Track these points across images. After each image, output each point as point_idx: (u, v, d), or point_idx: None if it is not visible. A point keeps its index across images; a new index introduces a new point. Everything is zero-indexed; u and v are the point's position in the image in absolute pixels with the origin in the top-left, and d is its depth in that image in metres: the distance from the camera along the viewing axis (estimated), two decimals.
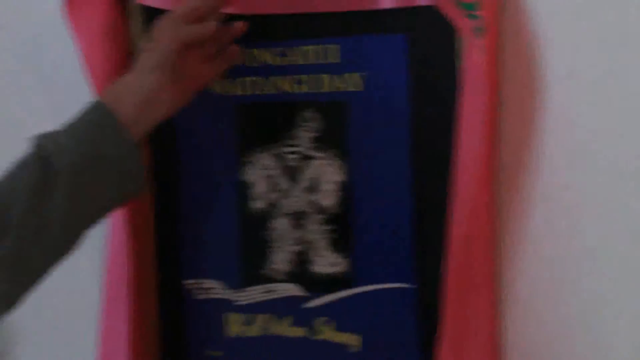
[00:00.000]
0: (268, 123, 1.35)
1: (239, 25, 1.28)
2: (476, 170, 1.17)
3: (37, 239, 1.11)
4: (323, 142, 1.31)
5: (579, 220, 1.19)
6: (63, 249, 1.15)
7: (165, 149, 1.41)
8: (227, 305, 1.40)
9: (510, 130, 1.21)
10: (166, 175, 1.42)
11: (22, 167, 1.13)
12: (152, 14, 1.35)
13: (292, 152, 1.33)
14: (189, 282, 1.43)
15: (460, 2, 1.15)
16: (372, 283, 1.31)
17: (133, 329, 1.41)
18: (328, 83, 1.30)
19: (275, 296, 1.36)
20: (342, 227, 1.31)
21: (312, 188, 1.32)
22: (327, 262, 1.32)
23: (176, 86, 1.20)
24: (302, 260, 1.34)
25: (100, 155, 1.13)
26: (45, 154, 1.10)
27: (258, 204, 1.35)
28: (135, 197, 1.24)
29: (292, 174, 1.33)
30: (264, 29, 1.31)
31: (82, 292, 1.54)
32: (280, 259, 1.35)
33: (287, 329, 1.37)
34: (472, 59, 1.15)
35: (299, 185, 1.33)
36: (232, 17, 1.30)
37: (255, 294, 1.38)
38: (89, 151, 1.11)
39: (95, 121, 1.15)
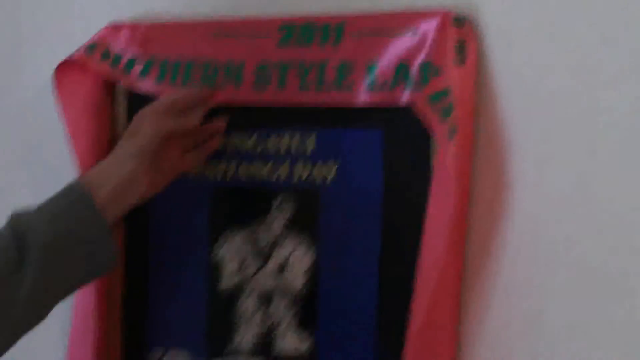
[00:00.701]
0: (242, 206, 1.34)
1: (221, 123, 1.29)
2: (440, 265, 1.16)
3: (4, 312, 1.08)
4: (294, 226, 1.29)
5: (538, 315, 1.18)
6: (29, 323, 1.13)
7: (137, 223, 1.41)
8: None
9: (477, 228, 1.19)
10: (137, 248, 1.43)
11: None
12: (136, 99, 1.38)
13: (263, 234, 1.32)
14: (154, 353, 1.41)
15: (434, 105, 1.14)
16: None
17: None
18: (302, 171, 1.29)
19: None
20: (308, 308, 1.29)
21: (281, 269, 1.30)
22: (291, 342, 1.30)
23: (154, 174, 1.20)
24: (267, 338, 1.32)
25: (73, 236, 1.12)
26: (19, 231, 1.09)
27: (227, 283, 1.34)
28: (103, 276, 1.23)
29: (262, 255, 1.32)
30: (243, 117, 1.31)
31: (47, 354, 1.50)
32: (246, 337, 1.32)
33: None
34: (444, 159, 1.14)
35: (269, 267, 1.31)
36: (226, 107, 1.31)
37: None
38: (62, 231, 1.11)
39: (71, 202, 1.14)
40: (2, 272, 1.05)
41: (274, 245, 1.30)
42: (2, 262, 1.06)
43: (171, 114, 1.21)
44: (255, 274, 1.31)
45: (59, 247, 1.10)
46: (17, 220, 1.08)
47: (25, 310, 1.09)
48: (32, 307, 1.09)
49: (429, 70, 1.16)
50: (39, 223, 1.09)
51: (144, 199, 1.21)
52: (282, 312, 1.29)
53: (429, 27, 1.17)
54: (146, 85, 1.33)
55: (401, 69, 1.18)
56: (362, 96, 1.20)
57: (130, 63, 1.35)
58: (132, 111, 1.37)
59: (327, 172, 1.26)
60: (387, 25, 1.21)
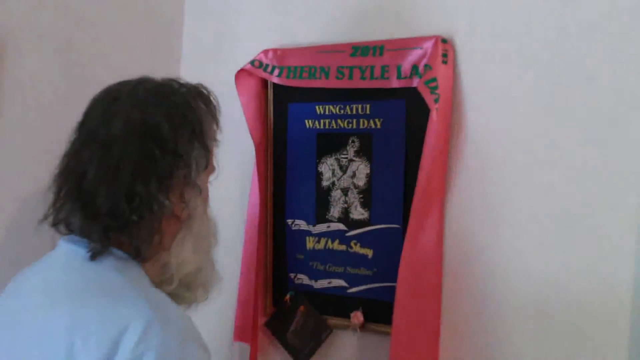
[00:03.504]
0: (333, 142, 1.50)
1: None
2: (431, 164, 1.32)
3: None
4: (360, 153, 1.45)
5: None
6: None
7: (280, 154, 1.58)
8: (307, 233, 1.54)
9: (455, 152, 1.36)
10: (280, 167, 1.58)
11: None
12: (277, 88, 1.54)
13: (343, 158, 1.47)
14: (290, 220, 1.58)
15: (428, 84, 1.30)
16: (380, 223, 1.43)
17: (258, 246, 1.57)
18: (364, 123, 1.44)
19: (331, 229, 1.50)
20: (367, 196, 1.45)
21: (353, 176, 1.46)
22: (358, 213, 1.46)
23: None
24: (345, 212, 1.48)
25: None
26: None
27: (325, 183, 1.50)
28: None
29: (343, 168, 1.47)
30: (333, 95, 1.47)
31: (231, 232, 1.62)
32: (335, 211, 1.50)
33: (337, 246, 1.49)
34: (432, 116, 1.30)
35: (346, 174, 1.47)
36: (318, 89, 1.45)
37: (321, 227, 1.52)
38: None
39: None
40: None
41: (349, 163, 1.46)
42: None
43: None
44: (339, 178, 1.47)
45: None
46: None
47: None
48: None
49: (426, 68, 1.30)
50: None
51: None
52: (353, 198, 1.46)
53: (429, 45, 1.31)
54: (281, 80, 1.51)
55: (414, 68, 1.33)
56: (394, 83, 1.36)
57: (273, 69, 1.52)
58: (276, 95, 1.56)
59: (377, 123, 1.43)
60: (407, 45, 1.35)
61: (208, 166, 1.01)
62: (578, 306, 1.24)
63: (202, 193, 1.01)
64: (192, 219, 0.99)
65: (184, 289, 1.02)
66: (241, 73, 1.54)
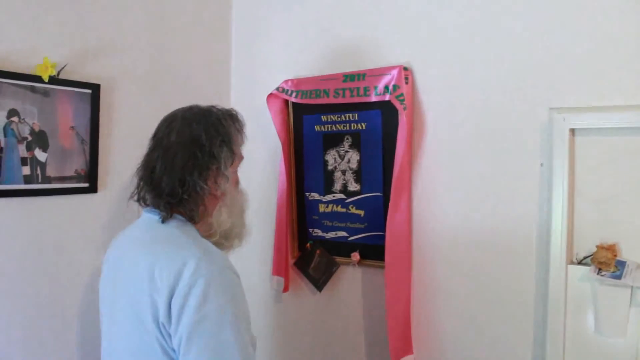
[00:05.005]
0: (334, 140, 1.71)
1: None
2: (404, 152, 1.50)
3: None
4: (352, 146, 1.67)
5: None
6: None
7: (298, 149, 1.77)
8: (319, 201, 1.76)
9: (416, 143, 1.56)
10: (299, 158, 1.78)
11: None
12: (295, 105, 1.73)
13: (342, 150, 1.69)
14: (308, 193, 1.78)
15: (398, 99, 1.51)
16: (368, 193, 1.65)
17: (287, 211, 1.77)
18: (354, 126, 1.65)
19: (336, 198, 1.72)
20: (358, 175, 1.67)
21: (348, 162, 1.68)
22: (353, 186, 1.68)
23: None
24: (345, 186, 1.70)
25: None
26: None
27: (330, 167, 1.73)
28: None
29: (342, 157, 1.70)
30: (335, 107, 1.68)
31: (269, 202, 1.86)
32: (337, 186, 1.72)
33: (340, 209, 1.71)
34: (402, 118, 1.53)
35: (344, 161, 1.69)
36: (322, 104, 1.64)
37: (329, 197, 1.73)
38: None
39: None
40: None
41: (345, 153, 1.68)
42: None
43: None
44: (340, 164, 1.69)
45: None
46: None
47: None
48: None
49: (395, 87, 1.52)
50: None
51: None
52: (350, 176, 1.68)
53: (395, 71, 1.53)
54: (297, 100, 1.71)
55: (386, 87, 1.54)
56: (373, 98, 1.57)
57: (291, 92, 1.73)
58: (294, 110, 1.74)
59: (363, 125, 1.64)
60: (381, 72, 1.55)
61: (234, 162, 1.12)
62: (501, 240, 1.43)
63: (231, 179, 1.12)
64: (224, 196, 1.12)
65: (223, 239, 1.14)
66: (270, 96, 1.77)
